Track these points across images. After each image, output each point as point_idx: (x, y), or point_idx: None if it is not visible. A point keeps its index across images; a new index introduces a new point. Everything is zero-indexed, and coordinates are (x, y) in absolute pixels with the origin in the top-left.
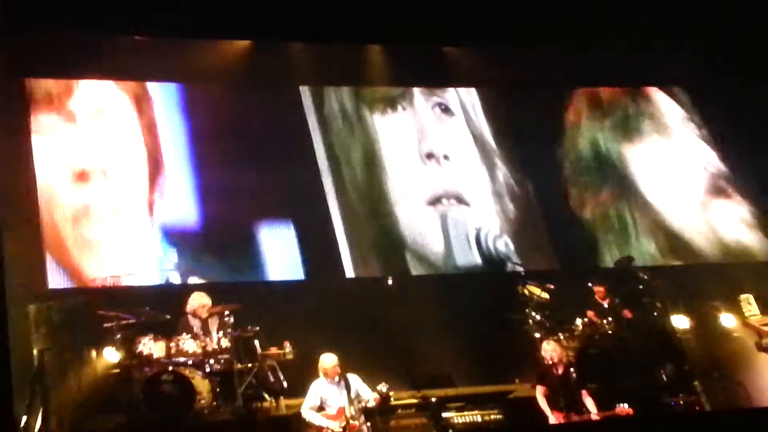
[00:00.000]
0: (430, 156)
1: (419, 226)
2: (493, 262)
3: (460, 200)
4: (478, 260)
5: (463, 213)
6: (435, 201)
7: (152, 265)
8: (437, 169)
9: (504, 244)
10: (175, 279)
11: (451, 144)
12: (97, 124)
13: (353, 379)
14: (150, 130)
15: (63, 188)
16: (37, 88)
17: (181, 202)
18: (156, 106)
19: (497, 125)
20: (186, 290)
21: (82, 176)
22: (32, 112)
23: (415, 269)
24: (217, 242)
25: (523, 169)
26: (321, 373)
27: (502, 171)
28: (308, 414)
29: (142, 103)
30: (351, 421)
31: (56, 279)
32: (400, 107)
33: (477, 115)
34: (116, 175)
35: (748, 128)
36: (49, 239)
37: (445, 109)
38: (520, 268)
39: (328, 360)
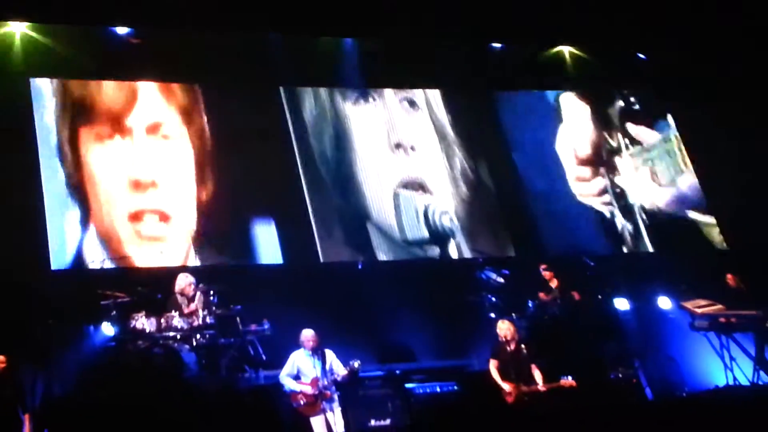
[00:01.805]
0: (398, 146)
1: (380, 204)
2: (439, 235)
3: (423, 187)
4: (426, 234)
5: (421, 196)
6: (400, 186)
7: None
8: (404, 158)
9: (449, 220)
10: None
11: (416, 135)
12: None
13: (329, 353)
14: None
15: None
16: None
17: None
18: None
19: (456, 116)
20: (174, 273)
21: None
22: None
23: (376, 240)
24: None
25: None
26: (302, 344)
27: (458, 158)
28: (285, 379)
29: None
30: (323, 391)
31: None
32: (371, 98)
33: (438, 108)
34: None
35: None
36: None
37: (411, 103)
38: (476, 255)
39: (309, 333)
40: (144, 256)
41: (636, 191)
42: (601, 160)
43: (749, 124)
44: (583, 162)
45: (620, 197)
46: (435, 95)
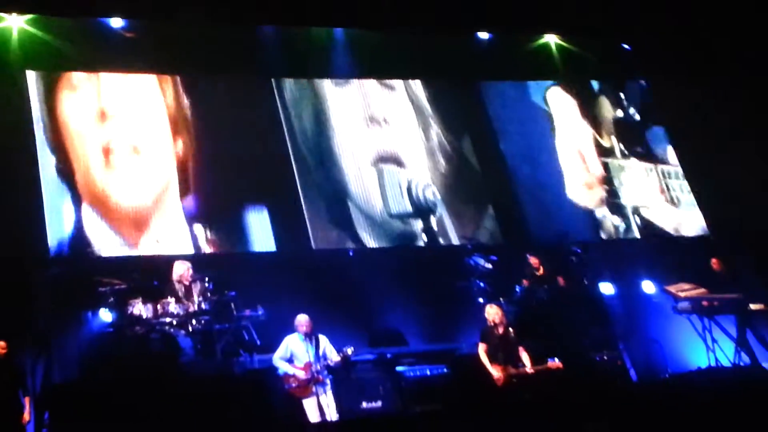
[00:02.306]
0: (372, 120)
1: (361, 179)
2: (421, 209)
3: (397, 160)
4: (410, 208)
5: (399, 170)
6: (376, 160)
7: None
8: (378, 132)
9: (432, 194)
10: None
11: (391, 110)
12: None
13: (322, 339)
14: None
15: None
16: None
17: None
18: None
19: (433, 92)
20: (170, 260)
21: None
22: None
23: (356, 217)
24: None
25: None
26: (297, 328)
27: (435, 131)
28: (278, 362)
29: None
30: (316, 375)
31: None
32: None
33: (416, 85)
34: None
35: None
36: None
37: (389, 87)
38: (465, 242)
39: (303, 318)
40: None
41: (635, 197)
42: (594, 159)
43: (731, 109)
44: (576, 160)
45: (613, 197)
46: (417, 84)
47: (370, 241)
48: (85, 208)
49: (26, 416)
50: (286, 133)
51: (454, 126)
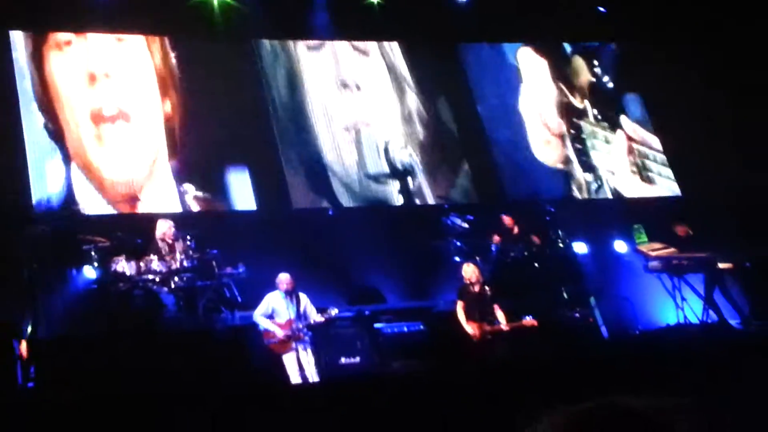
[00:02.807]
0: (345, 85)
1: (336, 143)
2: (397, 170)
3: (373, 124)
4: (386, 169)
5: (374, 132)
6: (350, 124)
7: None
8: (351, 97)
9: (408, 155)
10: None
11: (364, 75)
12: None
13: (303, 297)
14: None
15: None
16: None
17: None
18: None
19: (410, 55)
20: (153, 219)
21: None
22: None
23: (333, 180)
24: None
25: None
26: (278, 286)
27: (411, 97)
28: (259, 318)
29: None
30: (296, 332)
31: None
32: (324, 46)
33: (393, 51)
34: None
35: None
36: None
37: (362, 51)
38: (441, 201)
39: (285, 276)
40: (118, 171)
41: (607, 160)
42: (566, 120)
43: (703, 72)
44: (546, 122)
45: (584, 157)
46: (394, 47)
47: (349, 203)
48: (71, 166)
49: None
50: (266, 96)
51: (431, 89)
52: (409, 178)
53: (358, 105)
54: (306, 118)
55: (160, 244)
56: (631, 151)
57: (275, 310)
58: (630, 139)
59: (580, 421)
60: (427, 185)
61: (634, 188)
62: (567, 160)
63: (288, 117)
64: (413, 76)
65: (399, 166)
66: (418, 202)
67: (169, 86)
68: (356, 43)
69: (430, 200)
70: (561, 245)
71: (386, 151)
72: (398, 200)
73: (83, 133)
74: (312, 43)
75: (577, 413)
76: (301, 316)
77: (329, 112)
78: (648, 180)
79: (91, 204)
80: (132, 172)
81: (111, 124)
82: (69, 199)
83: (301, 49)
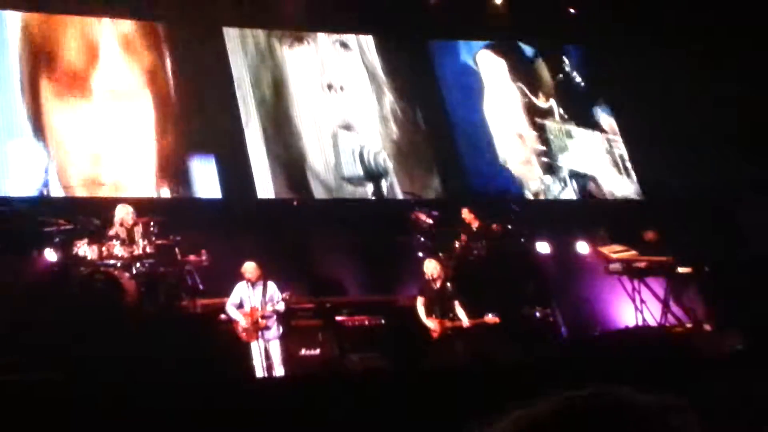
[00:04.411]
0: (329, 87)
1: (316, 143)
2: (372, 173)
3: (350, 126)
4: (361, 172)
5: (352, 135)
6: (331, 125)
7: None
8: (334, 98)
9: (383, 160)
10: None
11: (346, 76)
12: None
13: (270, 286)
14: None
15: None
16: None
17: None
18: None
19: (387, 58)
20: (116, 203)
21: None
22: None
23: (313, 180)
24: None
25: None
26: (243, 275)
27: (389, 99)
28: (228, 308)
29: None
30: (260, 320)
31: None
32: (305, 41)
33: (370, 51)
34: None
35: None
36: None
37: (344, 45)
38: (408, 197)
39: (249, 265)
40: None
41: (572, 161)
42: (530, 121)
43: (668, 75)
44: (510, 124)
45: (548, 158)
46: (368, 40)
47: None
48: (36, 147)
49: None
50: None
51: (405, 88)
52: (383, 181)
53: (337, 105)
54: (289, 120)
55: (120, 229)
56: (609, 145)
57: (242, 299)
58: (605, 132)
59: (570, 408)
60: (398, 187)
61: (612, 183)
62: (531, 162)
63: (270, 119)
64: (388, 76)
65: (374, 170)
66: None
67: (149, 71)
68: (337, 37)
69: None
70: (524, 243)
71: (361, 154)
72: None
73: (47, 113)
74: (294, 41)
75: (567, 400)
76: (265, 304)
77: (312, 114)
78: (628, 173)
79: (53, 185)
80: (98, 155)
81: (77, 105)
82: (31, 180)
83: (284, 47)
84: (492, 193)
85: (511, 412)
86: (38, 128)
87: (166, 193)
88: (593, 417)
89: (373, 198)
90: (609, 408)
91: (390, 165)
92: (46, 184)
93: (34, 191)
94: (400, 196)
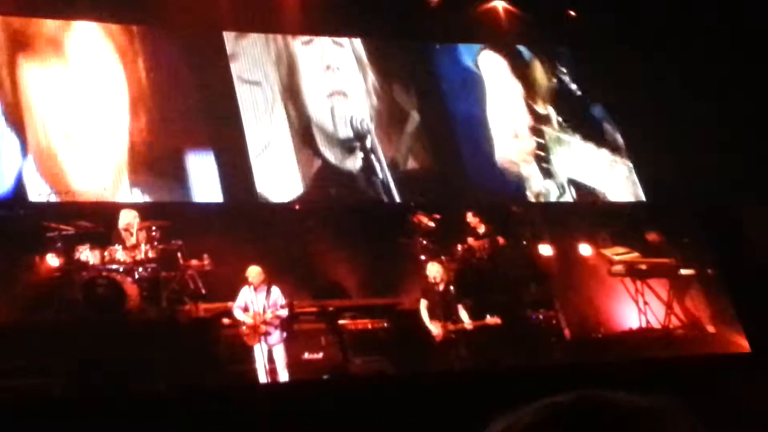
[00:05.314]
0: (328, 67)
1: (322, 111)
2: (359, 134)
3: (345, 95)
4: (351, 133)
5: (345, 104)
6: (329, 95)
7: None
8: (332, 76)
9: (366, 125)
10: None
11: (340, 60)
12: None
13: (275, 290)
14: None
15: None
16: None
17: None
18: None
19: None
20: (118, 207)
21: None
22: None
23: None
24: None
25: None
26: (247, 279)
27: (370, 77)
28: (234, 311)
29: None
30: (261, 326)
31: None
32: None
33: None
34: None
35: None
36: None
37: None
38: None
39: (253, 270)
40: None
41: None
42: (529, 126)
43: (671, 80)
44: (508, 127)
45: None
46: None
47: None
48: (34, 151)
49: None
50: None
51: (405, 90)
52: (366, 140)
53: (334, 81)
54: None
55: (124, 234)
56: (609, 149)
57: (247, 303)
58: (605, 137)
59: (557, 414)
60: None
61: (615, 188)
62: (531, 165)
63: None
64: (386, 78)
65: (360, 131)
66: (373, 159)
67: (137, 75)
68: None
69: (384, 159)
70: (526, 246)
71: (351, 121)
72: (359, 160)
73: (45, 114)
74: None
75: (547, 407)
76: (269, 308)
77: (312, 81)
78: (628, 178)
79: (53, 190)
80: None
81: (75, 106)
82: (32, 185)
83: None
84: (492, 195)
85: (493, 424)
86: (30, 134)
87: (166, 196)
88: (575, 424)
89: (361, 161)
90: (592, 413)
91: (372, 127)
92: (44, 189)
93: (35, 196)
94: (380, 153)
